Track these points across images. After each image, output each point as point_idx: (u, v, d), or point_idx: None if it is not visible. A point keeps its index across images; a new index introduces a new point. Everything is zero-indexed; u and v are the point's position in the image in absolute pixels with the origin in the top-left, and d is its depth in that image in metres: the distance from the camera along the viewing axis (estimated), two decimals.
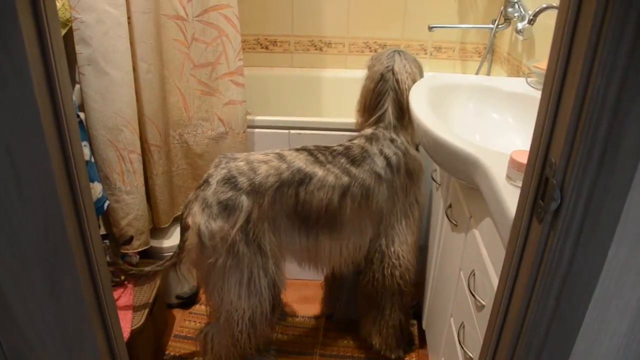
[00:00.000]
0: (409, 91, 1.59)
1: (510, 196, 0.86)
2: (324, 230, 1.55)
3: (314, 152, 1.54)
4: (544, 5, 1.41)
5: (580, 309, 0.68)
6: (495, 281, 0.99)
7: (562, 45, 0.59)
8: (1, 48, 0.62)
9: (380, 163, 1.55)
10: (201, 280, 1.55)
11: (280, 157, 1.50)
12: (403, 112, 1.63)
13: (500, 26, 2.19)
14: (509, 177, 0.91)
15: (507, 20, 2.16)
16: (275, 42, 2.58)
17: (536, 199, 0.67)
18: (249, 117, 1.95)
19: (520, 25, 1.96)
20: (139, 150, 1.71)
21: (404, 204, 1.62)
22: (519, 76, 2.08)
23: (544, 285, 0.66)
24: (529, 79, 1.57)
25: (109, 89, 1.58)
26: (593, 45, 0.55)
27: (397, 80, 1.63)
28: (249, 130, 1.97)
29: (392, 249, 1.64)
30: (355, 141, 1.61)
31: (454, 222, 1.36)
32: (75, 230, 0.77)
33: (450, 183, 1.46)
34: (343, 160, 1.54)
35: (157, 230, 1.97)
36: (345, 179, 1.51)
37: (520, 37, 1.99)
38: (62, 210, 0.73)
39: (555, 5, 1.38)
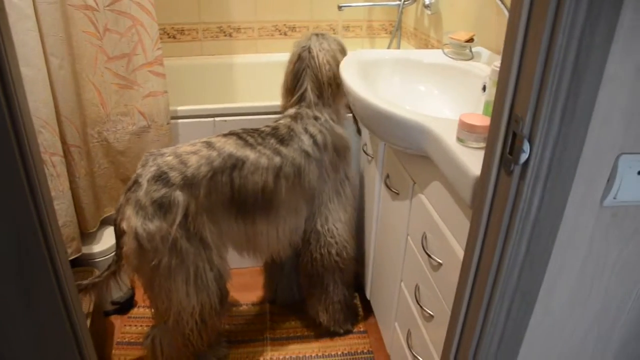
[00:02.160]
0: (328, 68, 1.63)
1: (466, 157, 0.92)
2: (260, 215, 1.54)
3: (242, 136, 1.52)
4: None
5: (547, 249, 0.76)
6: (451, 239, 1.05)
7: (522, 8, 0.64)
8: None
9: (307, 141, 1.57)
10: (146, 285, 1.48)
11: (209, 145, 1.47)
12: (322, 90, 1.66)
13: (406, 2, 2.28)
14: (459, 140, 0.97)
15: None
16: (182, 30, 2.51)
17: (503, 153, 0.72)
18: (171, 108, 1.90)
19: (427, 0, 2.06)
20: (60, 152, 1.61)
21: (334, 182, 1.66)
22: (427, 49, 2.19)
23: (517, 232, 0.72)
24: (445, 50, 1.66)
25: None
26: (554, 5, 0.60)
27: (313, 58, 1.65)
28: (172, 121, 1.91)
29: (327, 227, 1.67)
30: (281, 121, 1.62)
31: (394, 190, 1.42)
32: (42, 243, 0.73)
33: (385, 154, 1.52)
34: (272, 140, 1.54)
35: (84, 236, 1.86)
36: (277, 159, 1.51)
37: (428, 12, 2.08)
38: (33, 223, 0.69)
39: None
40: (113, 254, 1.86)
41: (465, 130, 0.94)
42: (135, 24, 1.71)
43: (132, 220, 1.37)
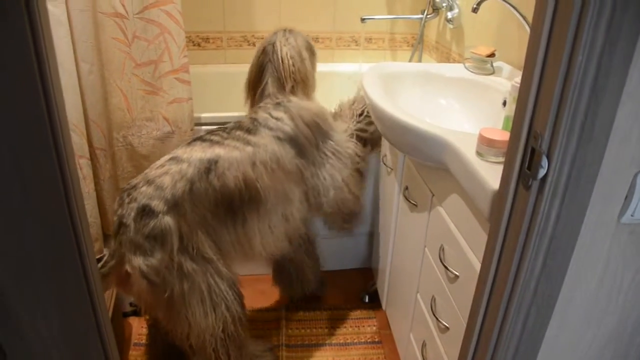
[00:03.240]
0: (291, 62, 1.64)
1: (485, 171, 0.93)
2: (250, 210, 1.48)
3: (206, 138, 1.49)
4: None
5: (564, 264, 0.76)
6: (468, 252, 1.06)
7: (544, 25, 0.66)
8: None
9: (274, 125, 1.54)
10: (164, 317, 1.44)
11: (176, 159, 1.42)
12: (283, 85, 1.65)
13: (429, 16, 2.30)
14: (479, 154, 0.98)
15: (436, 10, 2.27)
16: (207, 39, 2.56)
17: (522, 168, 0.74)
18: (195, 114, 1.93)
19: (450, 14, 2.08)
20: (87, 154, 1.65)
21: (318, 153, 1.63)
22: (448, 62, 2.20)
23: (534, 246, 0.73)
24: (467, 65, 1.68)
25: None
26: (574, 26, 0.62)
27: (275, 52, 1.65)
28: (195, 128, 1.95)
29: (327, 198, 1.66)
30: (248, 113, 1.63)
31: (413, 202, 1.44)
32: (73, 240, 0.76)
33: (404, 166, 1.54)
34: (238, 132, 1.50)
35: (106, 237, 1.91)
36: (249, 148, 1.47)
37: (450, 26, 2.10)
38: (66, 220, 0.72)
39: None
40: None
41: (485, 144, 0.96)
42: (163, 32, 1.76)
43: (134, 261, 1.33)
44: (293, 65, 1.64)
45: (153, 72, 1.81)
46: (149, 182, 1.37)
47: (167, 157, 1.45)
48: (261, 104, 1.63)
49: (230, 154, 1.43)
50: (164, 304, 1.38)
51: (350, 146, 1.73)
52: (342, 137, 1.73)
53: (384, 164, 1.76)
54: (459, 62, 1.84)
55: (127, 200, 1.37)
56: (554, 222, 0.72)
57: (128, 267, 1.35)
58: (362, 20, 2.38)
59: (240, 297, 1.52)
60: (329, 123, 1.69)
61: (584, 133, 0.66)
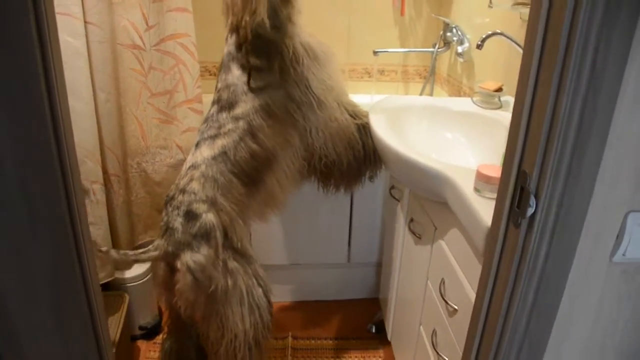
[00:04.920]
0: None
1: (480, 207, 0.94)
2: (265, 171, 1.53)
3: (205, 135, 1.51)
4: (490, 32, 1.54)
5: (555, 302, 0.77)
6: (466, 286, 1.07)
7: (531, 72, 0.69)
8: None
9: (242, 79, 1.50)
10: (201, 317, 1.49)
11: (193, 166, 1.49)
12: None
13: (440, 49, 2.34)
14: (476, 190, 1.00)
15: (447, 43, 2.31)
16: None
17: (512, 206, 0.75)
18: None
19: (460, 49, 2.11)
20: (101, 180, 1.70)
21: (295, 82, 1.54)
22: (459, 95, 2.23)
23: (524, 283, 0.74)
24: (474, 99, 1.70)
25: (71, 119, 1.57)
26: (559, 72, 0.64)
27: None
28: None
29: (324, 133, 1.61)
30: (219, 84, 1.56)
31: (417, 235, 1.45)
32: (78, 267, 0.79)
33: (410, 198, 1.55)
34: (224, 115, 1.50)
35: (118, 261, 1.94)
36: (241, 123, 1.48)
37: (461, 60, 2.13)
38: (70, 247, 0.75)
39: (499, 32, 1.51)
40: (145, 279, 1.93)
41: (482, 180, 0.97)
42: (178, 63, 1.82)
43: (182, 257, 1.41)
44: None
45: (168, 102, 1.87)
46: (182, 191, 1.46)
47: (185, 166, 1.53)
48: (224, 56, 1.55)
49: (230, 138, 1.48)
50: (203, 302, 1.43)
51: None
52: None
53: (391, 195, 1.77)
54: (469, 96, 1.86)
55: (170, 209, 1.46)
56: (543, 259, 0.73)
57: (178, 264, 1.42)
58: (375, 53, 2.43)
59: (271, 307, 1.57)
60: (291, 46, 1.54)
61: (571, 173, 0.68)
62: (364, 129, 1.65)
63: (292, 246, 2.14)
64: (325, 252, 2.15)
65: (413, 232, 1.48)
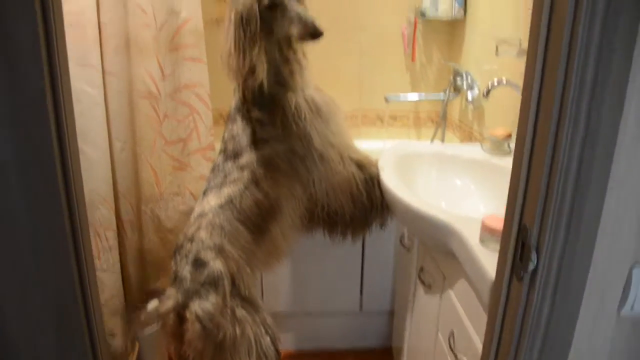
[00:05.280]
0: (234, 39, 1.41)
1: (486, 259, 0.94)
2: (270, 221, 1.55)
3: (212, 184, 1.55)
4: (496, 82, 1.56)
5: (563, 358, 0.75)
6: (475, 339, 1.05)
7: (528, 131, 0.69)
8: None
9: (249, 135, 1.54)
10: None
11: (201, 215, 1.52)
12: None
13: (451, 95, 2.36)
14: (482, 241, 0.99)
15: (457, 89, 2.34)
16: None
17: (514, 260, 0.75)
18: None
19: (470, 96, 2.13)
20: (114, 226, 1.72)
21: (298, 136, 1.55)
22: (471, 141, 2.24)
23: (529, 338, 0.73)
24: (484, 146, 1.71)
25: (85, 167, 1.60)
26: (554, 131, 0.65)
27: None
28: None
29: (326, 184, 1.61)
30: (225, 134, 1.60)
31: (427, 284, 1.43)
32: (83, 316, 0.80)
33: (420, 247, 1.54)
34: (229, 164, 1.54)
35: (129, 308, 1.94)
36: (246, 173, 1.51)
37: (471, 106, 2.15)
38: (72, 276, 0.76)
39: (504, 81, 1.53)
40: (154, 329, 1.93)
41: (487, 232, 0.97)
42: (192, 112, 1.86)
43: (191, 307, 1.43)
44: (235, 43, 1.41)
45: (182, 150, 1.91)
46: (190, 240, 1.50)
47: (194, 214, 1.56)
48: (235, 102, 1.59)
49: (236, 187, 1.51)
50: (214, 350, 1.43)
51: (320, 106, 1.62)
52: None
53: (402, 244, 1.76)
54: (480, 141, 1.87)
55: (179, 258, 1.50)
56: (547, 314, 0.72)
57: (186, 313, 1.43)
58: (386, 100, 2.46)
59: (279, 355, 1.56)
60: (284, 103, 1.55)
61: (572, 227, 0.68)
62: (371, 180, 1.66)
63: (302, 293, 2.12)
64: (336, 299, 2.13)
65: (423, 282, 1.46)
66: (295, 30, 1.42)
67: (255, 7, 1.37)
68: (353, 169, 1.64)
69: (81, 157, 1.62)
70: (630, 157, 0.67)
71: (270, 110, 1.53)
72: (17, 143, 0.71)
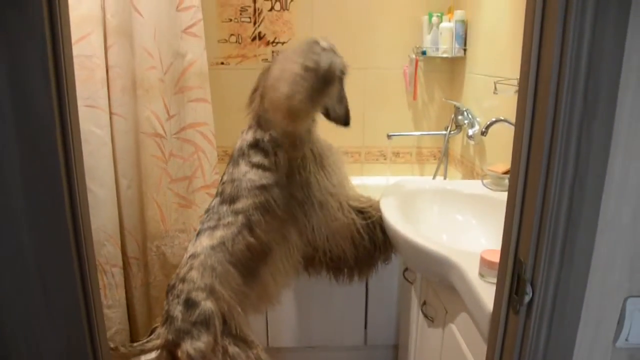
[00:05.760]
0: (281, 84, 1.44)
1: (485, 292, 0.95)
2: (260, 264, 1.56)
3: (205, 226, 1.56)
4: (494, 119, 1.60)
5: None
6: None
7: (520, 169, 0.72)
8: None
9: (255, 176, 1.55)
10: None
11: (193, 256, 1.54)
12: (264, 118, 1.57)
13: (452, 132, 2.40)
14: (481, 275, 1.01)
15: (458, 126, 2.38)
16: None
17: (511, 293, 0.77)
18: None
19: (470, 132, 2.17)
20: (120, 263, 1.75)
21: (299, 184, 1.59)
22: (472, 177, 2.26)
23: None
24: (484, 181, 1.73)
25: (92, 205, 1.64)
26: (545, 167, 0.68)
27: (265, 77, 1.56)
28: None
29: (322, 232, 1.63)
30: (225, 177, 1.62)
31: (430, 318, 1.44)
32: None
33: (422, 281, 1.55)
34: (225, 208, 1.55)
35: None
36: (240, 217, 1.53)
37: (472, 142, 2.19)
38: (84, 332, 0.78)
39: (502, 118, 1.57)
40: None
41: (486, 266, 0.99)
42: (197, 151, 1.91)
43: (183, 346, 1.43)
44: (277, 97, 1.46)
45: (187, 187, 1.94)
46: (182, 280, 1.51)
47: (186, 255, 1.58)
48: (242, 143, 1.61)
49: (229, 230, 1.53)
50: None
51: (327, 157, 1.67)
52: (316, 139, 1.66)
53: (405, 277, 1.77)
54: (482, 177, 1.89)
55: (170, 298, 1.51)
56: (543, 346, 0.73)
57: (178, 352, 1.44)
58: (389, 137, 2.50)
59: None
60: (299, 145, 1.59)
61: (565, 261, 0.70)
62: (372, 224, 1.69)
63: (307, 328, 2.12)
64: (341, 333, 2.13)
65: (426, 315, 1.47)
66: (336, 108, 1.58)
67: (339, 71, 1.50)
68: (353, 215, 1.67)
69: (88, 195, 1.66)
70: (617, 194, 0.69)
71: (275, 156, 1.57)
72: (26, 189, 0.74)
